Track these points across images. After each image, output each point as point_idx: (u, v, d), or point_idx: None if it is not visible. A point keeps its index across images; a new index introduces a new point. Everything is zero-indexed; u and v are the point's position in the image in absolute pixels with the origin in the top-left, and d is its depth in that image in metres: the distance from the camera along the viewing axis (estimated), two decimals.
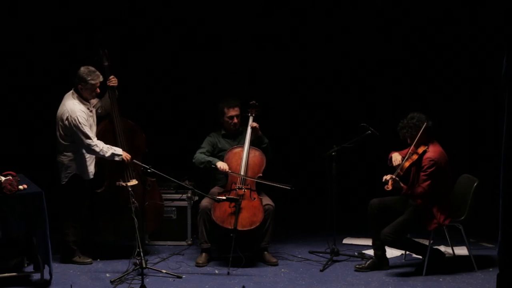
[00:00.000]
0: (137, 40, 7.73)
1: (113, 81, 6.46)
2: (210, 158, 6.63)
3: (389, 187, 5.98)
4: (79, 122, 6.20)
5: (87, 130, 6.22)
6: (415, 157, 6.06)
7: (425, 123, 6.02)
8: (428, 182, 6.00)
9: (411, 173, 6.18)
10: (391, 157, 6.21)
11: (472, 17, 7.57)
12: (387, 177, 6.00)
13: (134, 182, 6.45)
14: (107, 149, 6.27)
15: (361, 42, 7.84)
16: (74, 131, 6.22)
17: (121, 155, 6.30)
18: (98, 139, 6.35)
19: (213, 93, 7.59)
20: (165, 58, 7.81)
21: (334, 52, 7.85)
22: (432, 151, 6.06)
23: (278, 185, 6.43)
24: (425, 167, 6.01)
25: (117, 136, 6.45)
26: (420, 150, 6.06)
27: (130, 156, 6.35)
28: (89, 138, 6.22)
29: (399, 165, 6.07)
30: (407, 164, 6.05)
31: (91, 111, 6.41)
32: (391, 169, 6.15)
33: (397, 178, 5.96)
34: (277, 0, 7.77)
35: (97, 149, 6.24)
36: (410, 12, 7.70)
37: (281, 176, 6.74)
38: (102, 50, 6.48)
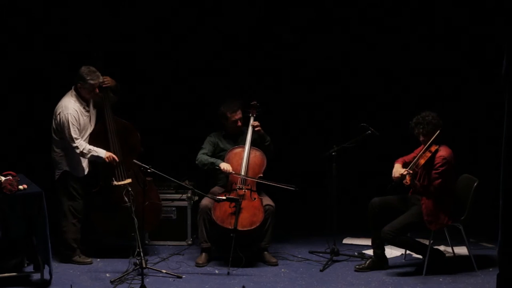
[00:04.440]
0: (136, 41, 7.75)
1: (106, 82, 6.47)
2: (213, 160, 6.62)
3: (407, 181, 5.96)
4: (68, 120, 6.22)
5: (73, 130, 6.24)
6: (428, 154, 6.02)
7: (441, 123, 6.02)
8: (439, 181, 5.98)
9: (422, 172, 6.15)
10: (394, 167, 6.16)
11: (472, 16, 7.57)
12: (404, 171, 5.98)
13: (128, 181, 6.42)
14: (88, 151, 6.27)
15: (360, 43, 7.85)
16: (62, 128, 6.25)
17: (102, 157, 6.30)
18: (90, 140, 6.36)
19: (213, 93, 7.59)
20: (165, 57, 7.81)
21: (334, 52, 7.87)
22: (444, 150, 6.05)
23: (281, 186, 6.42)
24: (438, 165, 5.99)
25: (109, 137, 6.44)
26: (433, 148, 6.04)
27: (116, 157, 6.34)
28: (72, 138, 6.24)
29: (413, 162, 6.05)
30: (422, 161, 6.00)
31: (87, 111, 6.41)
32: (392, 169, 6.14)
33: (411, 172, 5.96)
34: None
35: (77, 151, 6.27)
36: (411, 12, 7.72)
37: (286, 175, 6.73)
38: (97, 52, 6.49)
